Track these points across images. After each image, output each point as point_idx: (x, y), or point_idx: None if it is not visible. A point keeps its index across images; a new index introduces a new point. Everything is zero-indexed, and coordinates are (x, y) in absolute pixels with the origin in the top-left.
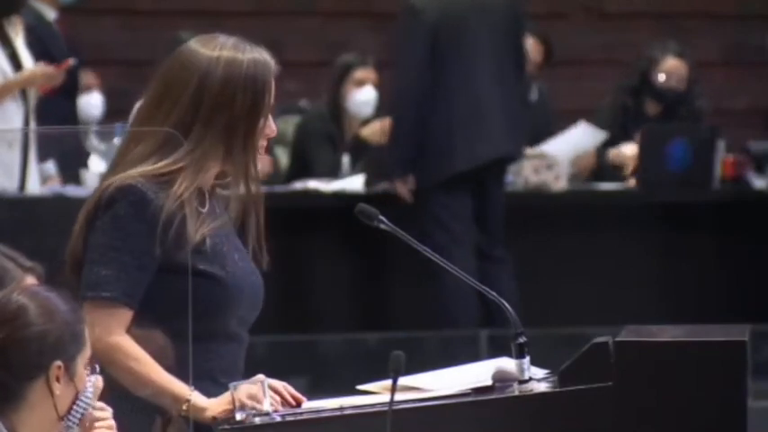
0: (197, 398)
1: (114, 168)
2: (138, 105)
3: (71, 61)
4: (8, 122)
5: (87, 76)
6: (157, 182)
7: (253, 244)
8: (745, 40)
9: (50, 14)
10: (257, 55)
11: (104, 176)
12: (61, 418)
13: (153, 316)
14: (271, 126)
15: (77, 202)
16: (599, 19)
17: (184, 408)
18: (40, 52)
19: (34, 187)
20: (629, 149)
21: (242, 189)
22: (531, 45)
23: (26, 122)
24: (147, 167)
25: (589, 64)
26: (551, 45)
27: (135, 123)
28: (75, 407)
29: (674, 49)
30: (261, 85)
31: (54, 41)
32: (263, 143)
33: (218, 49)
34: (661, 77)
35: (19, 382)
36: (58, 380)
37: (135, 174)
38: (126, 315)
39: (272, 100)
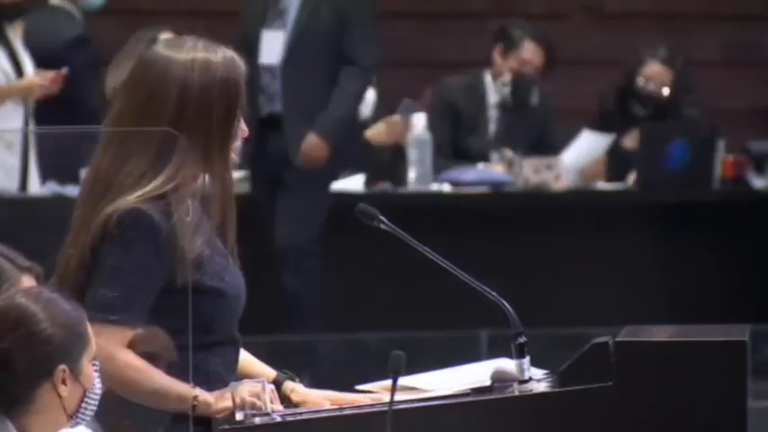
0: (202, 395)
1: (109, 188)
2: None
3: (64, 71)
4: (8, 123)
5: None
6: (158, 202)
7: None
8: (745, 40)
9: (79, 17)
10: (228, 55)
11: (92, 194)
12: (71, 417)
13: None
14: (243, 127)
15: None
16: (599, 19)
17: (194, 404)
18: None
19: (34, 187)
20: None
21: (219, 192)
22: (531, 49)
23: (26, 123)
24: (146, 189)
25: (589, 64)
26: (553, 49)
27: (114, 135)
28: (83, 404)
29: (663, 54)
30: (234, 87)
31: (96, 45)
32: (237, 144)
33: (191, 52)
34: (641, 81)
35: (25, 389)
36: (64, 382)
37: (135, 197)
38: (129, 335)
39: (244, 101)
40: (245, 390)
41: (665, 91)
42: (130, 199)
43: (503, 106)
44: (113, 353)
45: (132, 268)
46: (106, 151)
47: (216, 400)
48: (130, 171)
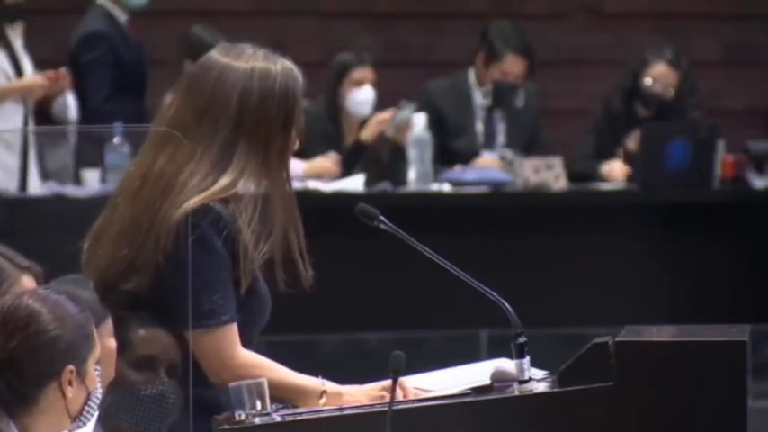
0: (330, 386)
1: (169, 187)
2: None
3: (63, 71)
4: (8, 123)
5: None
6: (224, 204)
7: (296, 258)
8: (745, 40)
9: (122, 17)
10: (286, 66)
11: (147, 192)
12: (73, 419)
13: None
14: (295, 138)
15: (77, 203)
16: (599, 19)
17: (322, 401)
18: (115, 60)
19: (34, 187)
20: (618, 168)
21: (278, 201)
22: (513, 61)
23: (26, 123)
24: (212, 189)
25: (589, 64)
26: (535, 56)
27: (173, 135)
28: (86, 407)
29: (668, 55)
30: (292, 97)
31: (126, 46)
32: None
33: (251, 61)
34: (647, 81)
35: (32, 389)
36: (70, 383)
37: (203, 197)
38: (236, 330)
39: (301, 110)
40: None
41: (670, 92)
42: (198, 198)
43: (489, 110)
44: (233, 353)
45: (220, 266)
46: (161, 150)
47: (347, 392)
48: (193, 171)
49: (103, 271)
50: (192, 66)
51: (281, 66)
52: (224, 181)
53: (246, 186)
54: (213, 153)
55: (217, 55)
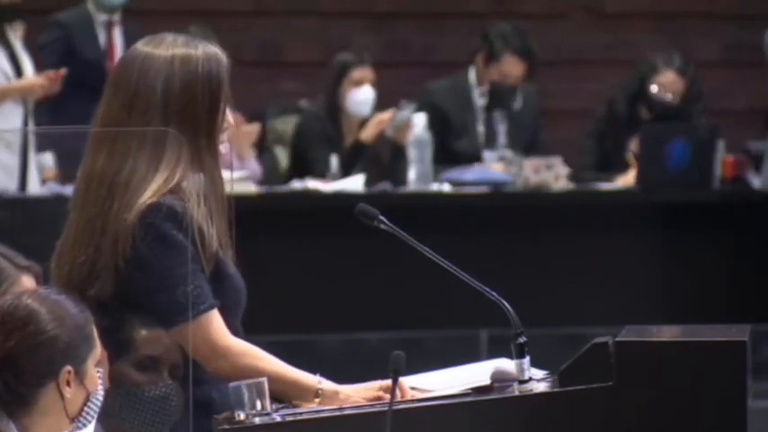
0: (327, 385)
1: (114, 188)
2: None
3: (63, 71)
4: (8, 123)
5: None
6: (172, 195)
7: (224, 242)
8: (745, 40)
9: (101, 17)
10: (209, 50)
11: (94, 195)
12: (72, 420)
13: None
14: (229, 119)
15: None
16: (599, 19)
17: (317, 401)
18: (69, 52)
19: (34, 187)
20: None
21: (211, 187)
22: (512, 62)
23: (25, 123)
24: (157, 185)
25: (589, 64)
26: (535, 58)
27: (106, 133)
28: (86, 408)
29: (677, 63)
30: (216, 80)
31: (91, 44)
32: (223, 138)
33: (171, 48)
34: (654, 88)
35: (30, 389)
36: (68, 384)
37: (152, 194)
38: (219, 316)
39: (228, 94)
40: (373, 388)
41: (676, 99)
42: (146, 197)
43: (487, 110)
44: (222, 339)
45: (184, 259)
46: (98, 151)
47: (344, 390)
48: (133, 169)
49: (65, 279)
50: (118, 60)
51: (203, 50)
52: (164, 174)
53: (185, 175)
54: (147, 147)
55: (139, 46)
